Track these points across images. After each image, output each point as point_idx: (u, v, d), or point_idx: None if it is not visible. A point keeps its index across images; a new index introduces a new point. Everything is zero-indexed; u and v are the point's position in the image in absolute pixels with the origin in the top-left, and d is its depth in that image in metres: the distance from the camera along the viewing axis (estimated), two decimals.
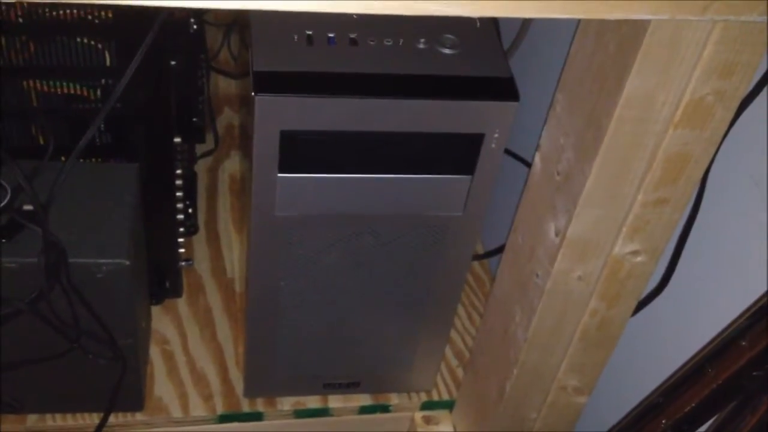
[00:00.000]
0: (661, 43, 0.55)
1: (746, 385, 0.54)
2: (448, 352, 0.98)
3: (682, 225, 0.71)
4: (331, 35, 0.68)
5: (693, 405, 0.58)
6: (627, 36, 0.56)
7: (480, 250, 1.08)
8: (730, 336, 0.56)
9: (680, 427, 0.59)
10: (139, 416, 0.88)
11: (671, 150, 0.61)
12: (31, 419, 0.86)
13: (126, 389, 0.83)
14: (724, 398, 0.56)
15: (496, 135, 0.69)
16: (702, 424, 0.59)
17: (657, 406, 0.61)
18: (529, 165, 0.73)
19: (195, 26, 0.93)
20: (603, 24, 0.59)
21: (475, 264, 1.08)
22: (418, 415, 0.95)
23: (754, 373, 0.53)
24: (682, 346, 0.70)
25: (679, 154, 0.61)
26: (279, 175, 0.69)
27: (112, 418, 0.85)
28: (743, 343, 0.54)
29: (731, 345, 0.56)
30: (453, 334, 1.00)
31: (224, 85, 1.21)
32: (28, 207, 0.72)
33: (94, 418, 0.85)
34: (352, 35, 0.68)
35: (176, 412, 0.89)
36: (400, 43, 0.68)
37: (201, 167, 1.10)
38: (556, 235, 0.68)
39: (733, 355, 0.55)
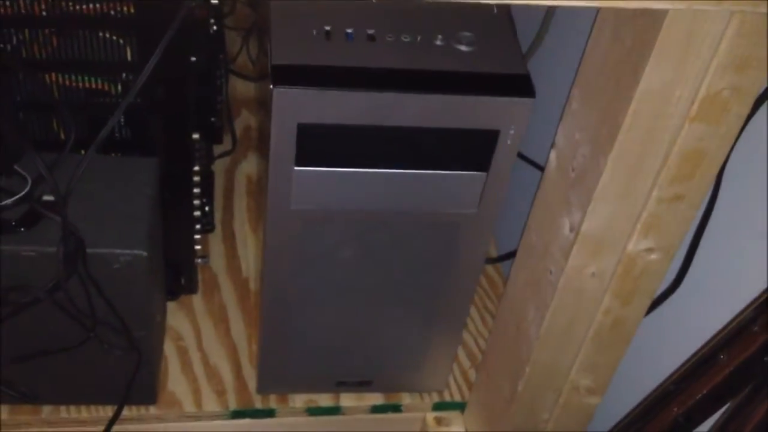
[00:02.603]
0: (677, 36, 0.55)
1: (758, 372, 0.54)
2: (461, 353, 0.98)
3: (697, 222, 0.71)
4: (349, 30, 0.69)
5: (705, 392, 0.58)
6: (643, 30, 0.56)
7: (494, 253, 1.08)
8: (742, 322, 0.56)
9: (692, 415, 0.59)
10: (152, 410, 0.89)
11: (687, 145, 0.61)
12: (46, 410, 0.86)
13: (140, 382, 0.84)
14: (737, 385, 0.56)
15: (512, 132, 0.69)
16: (714, 411, 0.59)
17: (669, 394, 0.61)
18: (541, 169, 0.73)
19: (215, 27, 0.94)
20: (620, 17, 0.59)
21: (489, 267, 1.08)
22: (430, 416, 0.95)
23: (766, 359, 0.53)
24: (697, 344, 0.70)
25: (694, 149, 0.61)
26: (295, 168, 0.70)
27: (125, 411, 0.85)
28: (755, 329, 0.54)
29: (743, 331, 0.56)
30: (466, 335, 1.00)
31: (243, 89, 1.22)
32: (48, 197, 0.73)
33: (108, 411, 0.86)
34: (370, 31, 0.69)
35: (189, 407, 0.89)
36: (418, 40, 0.69)
37: (218, 168, 1.11)
38: (570, 231, 0.68)
39: (746, 342, 0.55)
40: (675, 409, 0.60)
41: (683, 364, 0.63)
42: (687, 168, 0.62)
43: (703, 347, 0.62)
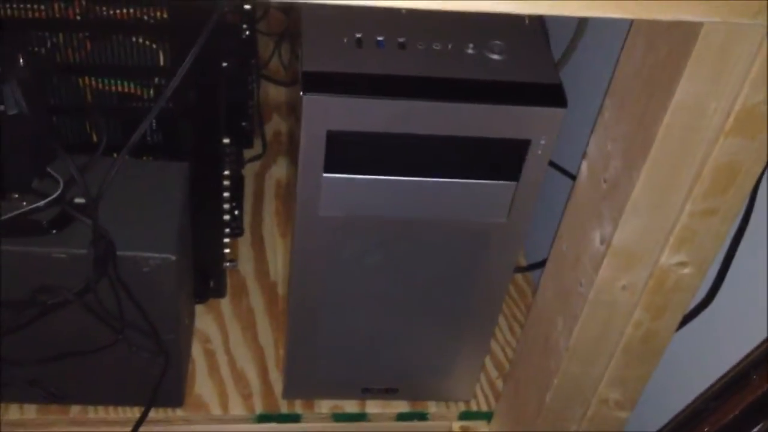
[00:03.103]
0: (712, 48, 0.54)
1: None
2: (488, 363, 0.97)
3: (731, 237, 0.70)
4: (380, 38, 0.69)
5: (737, 412, 0.56)
6: (678, 41, 0.55)
7: (523, 262, 1.07)
8: None
9: None
10: (179, 412, 0.89)
11: (721, 159, 0.60)
12: (74, 410, 0.87)
13: (167, 385, 0.84)
14: None
15: (543, 141, 0.69)
16: None
17: (699, 413, 0.60)
18: (573, 177, 0.72)
19: (247, 32, 0.94)
20: (654, 28, 0.58)
21: (518, 276, 1.07)
22: (456, 425, 0.95)
23: None
24: (728, 361, 0.68)
25: (729, 163, 0.60)
26: (324, 175, 0.70)
27: (152, 413, 0.86)
28: None
29: None
30: (493, 345, 0.99)
31: (274, 94, 1.22)
32: (79, 200, 0.73)
33: (135, 412, 0.86)
34: (401, 39, 0.69)
35: (215, 410, 0.90)
36: (449, 48, 0.69)
37: (248, 172, 1.11)
38: (602, 243, 0.67)
39: None
40: (705, 429, 0.58)
41: (715, 383, 0.62)
42: (721, 182, 0.61)
43: (735, 366, 0.60)
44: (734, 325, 0.73)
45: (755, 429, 0.57)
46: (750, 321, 0.70)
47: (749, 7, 0.48)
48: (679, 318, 0.71)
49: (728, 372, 0.61)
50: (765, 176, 0.64)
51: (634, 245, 0.66)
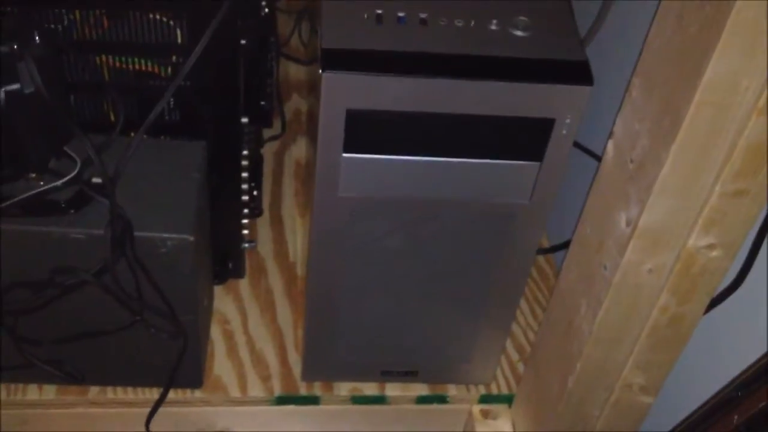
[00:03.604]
0: (745, 25, 0.52)
1: None
2: (509, 346, 0.96)
3: (761, 219, 0.68)
4: (401, 14, 0.67)
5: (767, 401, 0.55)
6: (710, 17, 0.53)
7: (545, 243, 1.06)
8: None
9: (753, 426, 0.56)
10: (197, 393, 0.89)
11: (753, 139, 0.58)
12: (93, 391, 0.87)
13: (186, 366, 0.84)
14: None
15: (568, 121, 0.67)
16: None
17: (731, 400, 0.58)
18: (599, 158, 0.71)
19: (266, 9, 0.93)
20: (685, 4, 0.56)
21: (540, 258, 1.05)
22: (476, 408, 0.94)
23: None
24: (757, 347, 0.67)
25: (761, 143, 0.58)
26: (343, 155, 0.69)
27: (171, 394, 0.86)
28: None
29: None
30: (515, 328, 0.98)
31: (294, 72, 1.21)
32: (96, 179, 0.73)
33: (154, 393, 0.86)
34: (423, 15, 0.67)
35: (234, 392, 0.89)
36: (472, 24, 0.67)
37: (267, 151, 1.10)
38: (627, 225, 0.65)
39: None
40: (736, 417, 0.57)
41: (746, 370, 0.60)
42: (753, 162, 0.59)
43: (766, 354, 0.59)
44: (763, 309, 0.71)
45: None
46: None
47: None
48: (706, 302, 0.70)
49: (759, 360, 0.59)
50: None
51: (661, 227, 0.64)
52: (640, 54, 0.63)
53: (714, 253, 0.66)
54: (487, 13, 0.67)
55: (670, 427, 0.75)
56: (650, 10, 0.61)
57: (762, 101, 0.56)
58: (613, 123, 0.68)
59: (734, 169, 0.60)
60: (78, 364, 0.83)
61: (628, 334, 0.73)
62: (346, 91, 0.64)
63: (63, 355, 0.82)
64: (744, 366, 0.66)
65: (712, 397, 0.64)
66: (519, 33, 0.67)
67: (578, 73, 0.65)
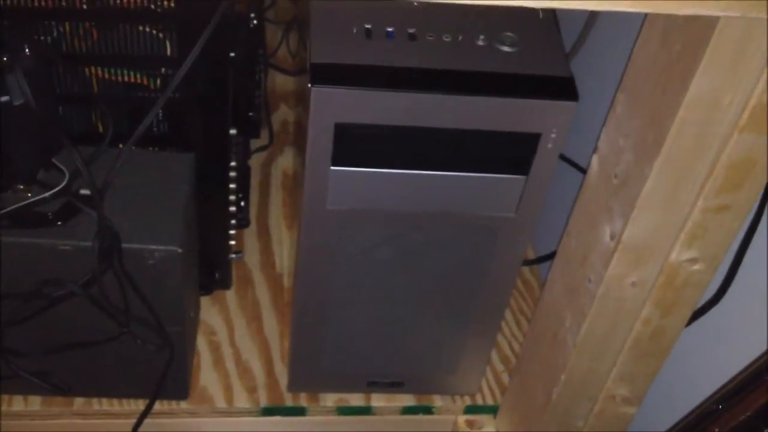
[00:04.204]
0: (728, 43, 0.53)
1: None
2: (494, 356, 0.97)
3: (743, 233, 0.69)
4: (390, 29, 0.68)
5: (749, 413, 0.56)
6: (694, 35, 0.54)
7: (531, 255, 1.06)
8: None
9: None
10: (183, 405, 0.89)
11: (735, 155, 0.59)
12: (78, 402, 0.87)
13: (172, 377, 0.84)
14: None
15: (553, 135, 0.68)
16: None
17: (711, 413, 0.59)
18: (583, 171, 0.72)
19: (255, 21, 0.94)
20: (669, 22, 0.57)
21: (525, 269, 1.06)
22: (462, 419, 0.94)
23: None
24: (738, 359, 0.68)
25: (743, 159, 0.59)
26: (332, 168, 0.69)
27: (157, 406, 0.86)
28: None
29: None
30: (500, 339, 0.99)
31: (281, 83, 1.21)
32: (84, 191, 0.73)
33: (140, 405, 0.86)
34: (411, 30, 0.68)
35: (220, 403, 0.89)
36: (459, 40, 0.68)
37: (255, 162, 1.11)
38: (611, 239, 0.66)
39: None
40: (716, 430, 0.58)
41: (727, 384, 0.61)
42: (735, 178, 0.60)
43: (748, 367, 0.60)
44: (744, 323, 0.72)
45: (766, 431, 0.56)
46: (760, 318, 0.69)
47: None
48: (688, 315, 0.71)
49: (740, 373, 0.60)
50: None
51: (644, 241, 0.65)
52: (625, 70, 0.64)
53: (696, 267, 0.67)
54: (474, 28, 0.68)
55: None
56: (635, 27, 0.62)
57: (744, 118, 0.57)
58: (598, 138, 0.69)
59: (716, 185, 0.61)
60: (64, 376, 0.83)
61: (612, 346, 0.74)
62: (334, 106, 0.65)
63: (49, 367, 0.82)
64: (725, 379, 0.67)
65: (693, 410, 0.65)
66: (506, 49, 0.67)
67: (564, 88, 0.66)
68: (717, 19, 0.52)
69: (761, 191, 0.63)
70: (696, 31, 0.54)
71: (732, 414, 0.58)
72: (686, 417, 0.65)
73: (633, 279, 0.68)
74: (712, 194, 0.61)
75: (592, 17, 0.91)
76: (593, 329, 0.72)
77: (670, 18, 0.57)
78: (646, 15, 0.61)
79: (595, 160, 0.69)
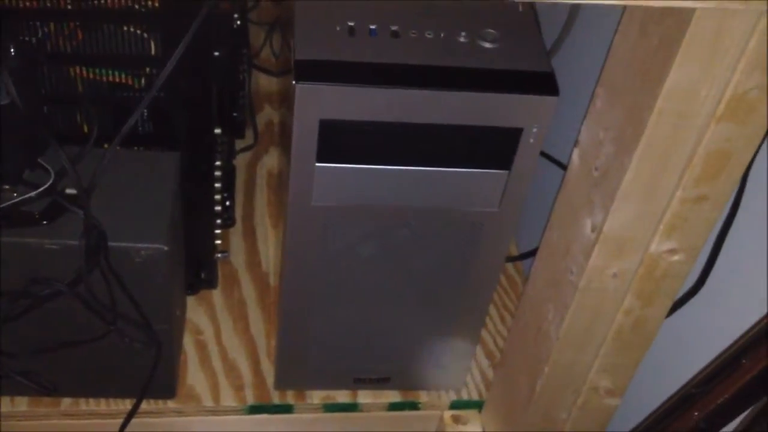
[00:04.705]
0: (705, 35, 0.54)
1: None
2: (479, 352, 0.98)
3: (721, 223, 0.70)
4: (373, 27, 0.69)
5: (726, 397, 0.57)
6: (671, 28, 0.56)
7: (514, 251, 1.08)
8: (766, 327, 0.55)
9: (713, 420, 0.58)
10: (170, 404, 0.89)
11: (712, 146, 0.60)
12: (65, 402, 0.87)
13: (159, 376, 0.84)
14: (759, 390, 0.55)
15: (535, 130, 0.69)
16: (736, 416, 0.58)
17: (690, 397, 0.60)
18: (564, 168, 0.73)
19: (238, 22, 0.94)
20: (647, 16, 0.58)
21: (509, 266, 1.07)
22: (447, 414, 0.95)
23: None
24: (718, 347, 0.69)
25: (720, 150, 0.61)
26: (317, 164, 0.70)
27: (144, 405, 0.86)
28: None
29: (766, 336, 0.55)
30: (484, 334, 0.99)
31: (265, 83, 1.22)
32: (70, 190, 0.73)
33: (127, 404, 0.86)
34: (394, 27, 0.69)
35: (207, 401, 0.90)
36: (442, 36, 0.69)
37: (240, 162, 1.11)
38: (593, 231, 0.67)
39: None
40: (696, 413, 0.59)
41: (705, 368, 0.62)
42: (712, 168, 0.62)
43: (725, 351, 0.61)
44: (723, 311, 0.73)
45: (745, 413, 0.58)
46: (739, 307, 0.71)
47: None
48: (669, 305, 0.72)
49: (718, 357, 0.61)
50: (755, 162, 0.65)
51: (624, 233, 0.66)
52: (604, 64, 0.65)
53: (676, 258, 0.68)
54: (456, 25, 0.69)
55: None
56: (614, 22, 0.64)
57: (720, 109, 0.58)
58: (578, 132, 0.70)
59: (694, 176, 0.62)
60: (51, 375, 0.83)
61: (594, 338, 0.75)
62: (319, 102, 0.66)
63: (36, 367, 0.82)
64: (704, 365, 0.68)
65: (673, 395, 0.66)
66: (487, 45, 0.68)
67: (544, 84, 0.67)
68: (693, 11, 0.53)
69: (738, 181, 0.64)
70: (673, 24, 0.55)
71: (712, 397, 0.59)
72: (666, 401, 0.67)
73: (614, 270, 0.69)
74: (691, 185, 0.63)
75: (572, 13, 0.92)
76: (576, 321, 0.73)
77: (647, 11, 0.58)
78: (624, 9, 0.62)
79: (575, 154, 0.70)
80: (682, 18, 0.54)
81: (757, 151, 0.61)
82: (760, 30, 0.53)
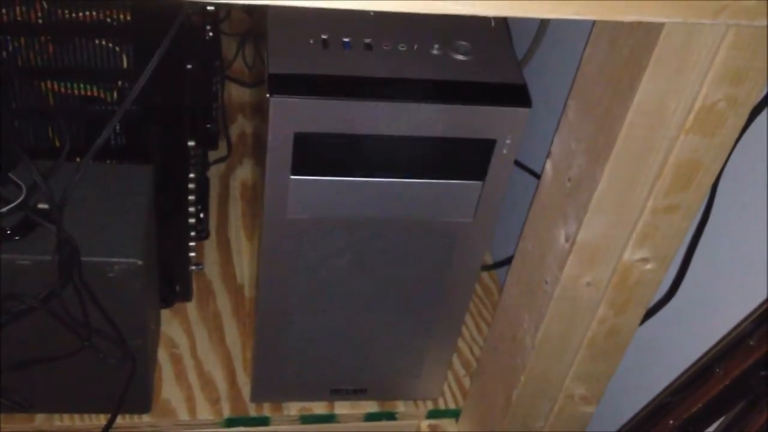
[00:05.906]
0: (673, 48, 0.55)
1: (754, 385, 0.54)
2: (456, 361, 0.98)
3: (692, 232, 0.71)
4: (346, 40, 0.69)
5: (701, 405, 0.58)
6: (640, 41, 0.56)
7: (489, 260, 1.08)
8: (739, 335, 0.56)
9: (687, 428, 0.59)
10: (146, 418, 0.88)
11: (682, 156, 0.61)
12: (39, 419, 0.86)
13: (134, 391, 0.83)
14: (733, 398, 0.56)
15: (508, 141, 0.70)
16: (710, 424, 0.59)
17: (664, 406, 0.61)
18: (538, 177, 0.74)
19: (211, 33, 0.94)
20: (617, 29, 0.59)
21: (484, 274, 1.08)
22: (424, 424, 0.95)
23: (762, 373, 0.53)
24: (691, 355, 0.70)
25: (690, 160, 0.61)
26: (291, 177, 0.70)
27: (119, 420, 0.85)
28: (751, 343, 0.54)
29: (740, 344, 0.56)
30: (461, 343, 1.00)
31: (238, 94, 1.22)
32: (42, 205, 0.72)
33: (101, 419, 0.86)
34: (367, 40, 0.69)
35: (183, 415, 0.89)
36: (415, 49, 0.69)
37: (213, 174, 1.11)
38: (566, 241, 0.68)
39: (742, 355, 0.55)
40: (671, 422, 0.60)
41: (680, 376, 0.63)
42: (682, 179, 0.63)
43: (699, 359, 0.62)
44: (695, 319, 0.74)
45: (719, 420, 0.58)
46: (711, 315, 0.71)
47: (710, 7, 0.49)
48: (642, 313, 0.73)
49: (692, 365, 0.62)
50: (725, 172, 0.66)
51: (598, 242, 0.67)
52: (575, 76, 0.66)
53: (648, 266, 0.69)
54: (428, 38, 0.70)
55: None
56: (585, 32, 0.64)
57: (689, 121, 0.59)
58: (551, 143, 0.70)
59: (665, 186, 0.63)
60: (25, 392, 0.83)
61: (569, 346, 0.75)
62: (293, 115, 0.66)
63: (9, 383, 0.81)
64: (677, 372, 0.69)
65: (649, 404, 0.67)
66: (460, 57, 0.69)
67: (517, 95, 0.68)
68: (662, 25, 0.54)
69: (708, 191, 0.65)
70: (642, 37, 0.56)
71: (686, 405, 0.60)
72: (642, 409, 0.67)
73: (588, 279, 0.70)
74: (662, 195, 0.63)
75: (542, 26, 0.93)
76: (551, 330, 0.74)
77: (617, 25, 0.59)
78: (594, 22, 0.63)
79: (548, 165, 0.71)
80: (651, 32, 0.55)
81: (726, 162, 0.62)
82: (727, 44, 0.54)
